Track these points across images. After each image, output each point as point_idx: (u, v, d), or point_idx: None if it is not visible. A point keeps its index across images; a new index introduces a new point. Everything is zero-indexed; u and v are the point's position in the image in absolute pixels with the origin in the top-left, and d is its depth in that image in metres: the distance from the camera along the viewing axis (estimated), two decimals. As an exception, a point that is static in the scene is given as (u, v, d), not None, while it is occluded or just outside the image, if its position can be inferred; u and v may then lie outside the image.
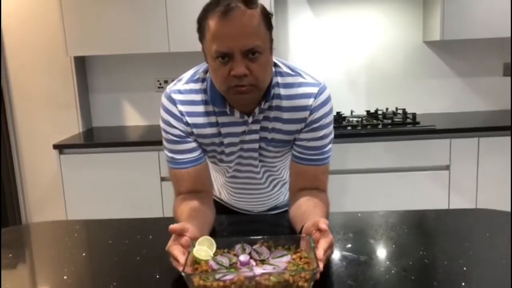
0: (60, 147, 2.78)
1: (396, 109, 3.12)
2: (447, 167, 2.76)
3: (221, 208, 1.58)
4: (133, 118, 3.34)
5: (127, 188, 2.81)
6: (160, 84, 3.26)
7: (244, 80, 1.13)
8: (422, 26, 3.18)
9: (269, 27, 1.16)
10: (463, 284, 0.97)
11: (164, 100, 1.29)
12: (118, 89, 3.29)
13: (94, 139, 3.03)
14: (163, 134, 1.31)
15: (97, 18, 2.85)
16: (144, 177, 2.80)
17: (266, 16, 1.15)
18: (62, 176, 2.80)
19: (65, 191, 2.81)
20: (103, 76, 3.28)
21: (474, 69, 3.23)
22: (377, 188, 2.78)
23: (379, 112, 3.10)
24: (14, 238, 1.32)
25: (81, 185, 2.81)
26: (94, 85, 3.30)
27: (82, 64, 3.24)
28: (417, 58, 3.23)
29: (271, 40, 1.18)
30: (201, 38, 1.17)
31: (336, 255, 1.12)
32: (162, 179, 2.79)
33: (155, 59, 3.21)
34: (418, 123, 2.81)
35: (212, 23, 1.11)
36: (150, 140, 2.80)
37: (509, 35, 2.83)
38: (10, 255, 1.20)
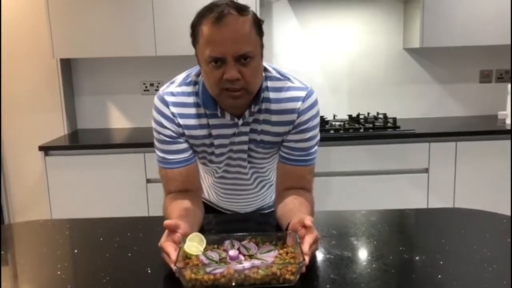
0: (46, 149, 2.78)
1: (377, 113, 3.20)
2: (426, 170, 2.85)
3: (208, 209, 1.62)
4: (119, 121, 3.35)
5: (113, 190, 2.83)
6: (146, 87, 3.28)
7: (236, 83, 1.17)
8: (402, 33, 3.27)
9: (260, 33, 1.22)
10: (439, 276, 1.03)
11: (156, 102, 1.32)
12: (104, 91, 3.30)
13: (79, 141, 3.03)
14: (155, 134, 1.34)
15: (84, 20, 2.86)
16: (129, 179, 2.82)
17: (257, 23, 1.20)
18: (47, 177, 2.80)
19: (50, 193, 2.81)
20: (89, 78, 3.29)
21: (452, 75, 3.33)
22: (359, 190, 2.85)
23: (361, 117, 3.17)
24: (4, 236, 1.34)
25: (66, 187, 2.81)
26: (79, 87, 3.30)
27: (68, 66, 3.24)
28: (397, 65, 3.32)
29: (262, 46, 1.23)
30: (195, 43, 1.22)
31: (321, 251, 1.18)
32: (148, 180, 2.81)
33: (141, 62, 3.24)
34: (399, 127, 2.90)
35: (205, 28, 1.15)
36: (135, 142, 2.82)
37: (487, 44, 2.95)
38: (2, 252, 1.22)
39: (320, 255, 1.15)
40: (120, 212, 2.79)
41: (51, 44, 2.87)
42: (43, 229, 1.45)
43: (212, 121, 1.31)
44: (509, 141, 2.79)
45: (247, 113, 1.29)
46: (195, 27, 1.19)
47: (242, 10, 1.16)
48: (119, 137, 3.11)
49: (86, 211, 2.81)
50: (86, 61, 3.25)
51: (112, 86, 3.30)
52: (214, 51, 1.15)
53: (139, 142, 2.80)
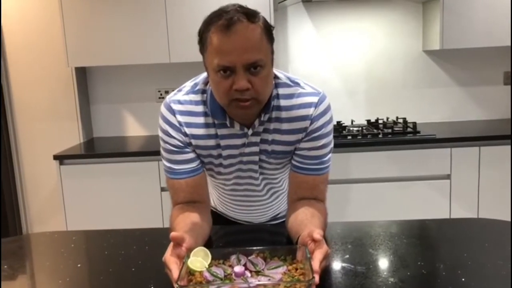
0: (61, 158, 2.78)
1: (397, 118, 3.11)
2: (448, 176, 2.75)
3: (220, 219, 1.57)
4: (134, 129, 3.34)
5: (127, 198, 2.81)
6: (161, 94, 3.26)
7: (246, 93, 1.12)
8: (421, 35, 3.18)
9: (271, 40, 1.16)
10: (461, 295, 0.96)
11: (163, 110, 1.28)
12: (119, 99, 3.30)
13: (94, 149, 3.03)
14: (161, 143, 1.30)
15: (98, 29, 2.86)
16: (144, 187, 2.79)
17: (268, 29, 1.15)
18: (62, 186, 2.79)
19: (65, 202, 2.81)
20: (104, 86, 3.29)
21: (474, 78, 3.23)
22: (378, 197, 2.77)
23: (380, 121, 3.09)
24: (10, 249, 1.31)
25: (81, 196, 2.81)
26: (95, 95, 3.31)
27: (83, 75, 3.25)
28: (417, 67, 3.23)
29: (272, 53, 1.18)
30: (202, 51, 1.17)
31: (334, 265, 1.11)
32: (162, 189, 2.78)
33: (156, 69, 3.23)
34: (419, 132, 2.80)
35: (214, 36, 1.10)
36: (150, 150, 2.80)
37: (509, 44, 2.83)
38: (6, 266, 1.19)
39: (332, 270, 1.09)
40: (134, 220, 2.77)
41: (66, 53, 2.88)
42: (49, 241, 1.42)
43: (221, 131, 1.26)
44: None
45: (256, 122, 1.24)
46: (202, 34, 1.15)
47: (252, 16, 1.11)
48: (134, 145, 3.10)
49: (101, 219, 2.80)
50: (101, 69, 3.26)
51: (127, 94, 3.29)
52: (223, 60, 1.10)
53: (153, 150, 2.78)
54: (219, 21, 1.09)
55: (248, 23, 1.10)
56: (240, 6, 1.12)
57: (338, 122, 2.97)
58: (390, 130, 2.86)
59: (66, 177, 2.79)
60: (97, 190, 2.80)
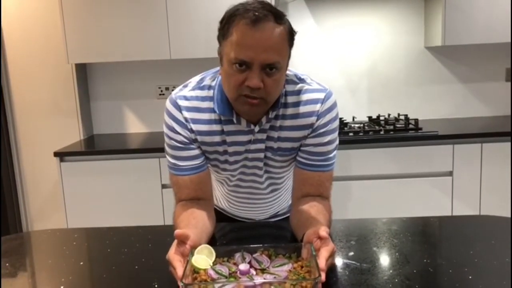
0: (61, 155, 2.77)
1: (398, 115, 3.10)
2: (450, 173, 2.74)
3: (222, 217, 1.56)
4: (134, 125, 3.33)
5: (128, 196, 2.79)
6: (161, 91, 3.25)
7: (256, 92, 1.11)
8: (423, 31, 3.17)
9: (291, 44, 1.16)
10: (468, 293, 0.95)
11: (169, 106, 1.27)
12: (119, 96, 3.28)
13: (95, 146, 3.02)
14: (166, 139, 1.29)
15: (98, 25, 2.84)
16: (145, 184, 2.78)
17: (291, 34, 1.15)
18: (62, 183, 2.78)
19: (65, 199, 2.80)
20: (104, 83, 3.27)
21: (477, 74, 3.21)
22: (380, 194, 2.76)
23: (381, 118, 3.08)
24: (11, 247, 1.30)
25: (81, 193, 2.79)
26: (95, 92, 3.29)
27: (83, 72, 3.23)
28: (419, 64, 3.21)
29: (289, 57, 1.18)
30: (221, 39, 1.15)
31: (339, 263, 1.10)
32: (163, 186, 2.77)
33: (156, 66, 3.21)
34: (421, 129, 2.79)
35: (238, 28, 1.09)
36: (151, 147, 2.79)
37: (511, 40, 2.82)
38: (7, 264, 1.18)
39: (337, 268, 1.08)
40: (135, 217, 2.76)
41: (66, 49, 2.86)
42: (50, 239, 1.41)
43: (227, 128, 1.25)
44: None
45: (264, 119, 1.23)
46: (225, 24, 1.12)
47: (280, 18, 1.11)
48: (135, 142, 3.08)
49: (102, 217, 2.79)
50: (101, 66, 3.24)
51: (128, 91, 3.27)
52: (242, 54, 1.09)
53: (154, 147, 2.77)
54: (247, 13, 1.08)
55: (275, 24, 1.09)
56: (268, 4, 1.11)
57: (340, 119, 2.95)
58: (392, 127, 2.84)
59: (66, 174, 2.78)
60: (98, 187, 2.79)
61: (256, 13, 1.07)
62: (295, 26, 1.18)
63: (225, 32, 1.12)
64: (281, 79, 1.16)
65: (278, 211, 1.56)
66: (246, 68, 1.10)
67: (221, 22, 1.14)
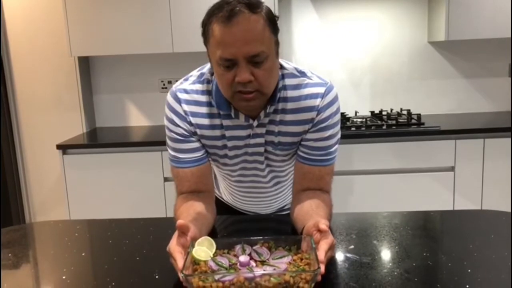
0: (64, 147, 2.78)
1: (401, 109, 3.09)
2: (452, 168, 2.74)
3: (227, 209, 1.56)
4: (137, 119, 3.33)
5: (130, 188, 2.81)
6: (164, 84, 3.25)
7: (249, 86, 1.11)
8: (427, 26, 3.15)
9: (275, 30, 1.14)
10: (467, 286, 0.95)
11: (169, 98, 1.27)
12: (122, 89, 3.29)
13: (97, 139, 3.03)
14: (167, 132, 1.30)
15: (101, 18, 2.84)
16: (147, 177, 2.79)
17: (271, 20, 1.13)
18: (65, 176, 2.79)
19: (68, 191, 2.81)
20: (107, 76, 3.28)
21: (480, 69, 3.20)
22: (382, 189, 2.76)
23: (384, 113, 3.08)
24: (13, 238, 1.31)
25: (84, 185, 2.81)
26: (98, 85, 3.29)
27: (86, 65, 3.24)
28: (422, 59, 3.20)
29: (277, 44, 1.16)
30: (206, 43, 1.15)
31: (339, 256, 1.11)
32: (165, 179, 2.78)
33: (159, 59, 3.21)
34: (423, 124, 2.79)
35: (215, 28, 1.09)
36: (153, 140, 2.80)
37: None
38: (10, 254, 1.19)
39: (337, 261, 1.08)
40: (137, 210, 2.77)
41: (69, 42, 2.86)
42: (53, 230, 1.42)
43: (226, 122, 1.26)
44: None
45: (262, 114, 1.23)
46: (205, 26, 1.13)
47: (254, 7, 1.08)
48: (137, 135, 3.09)
49: (104, 209, 2.80)
50: (103, 59, 3.24)
51: (130, 84, 3.28)
52: (225, 52, 1.08)
53: (156, 140, 2.77)
54: (220, 12, 1.07)
55: (249, 14, 1.07)
56: None
57: (342, 113, 2.95)
58: (394, 122, 2.84)
59: (69, 167, 2.79)
60: (100, 180, 2.80)
61: (229, 8, 1.06)
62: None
63: (206, 34, 1.13)
64: (273, 68, 1.15)
65: (284, 206, 1.56)
66: (233, 65, 1.10)
67: (202, 25, 1.14)
